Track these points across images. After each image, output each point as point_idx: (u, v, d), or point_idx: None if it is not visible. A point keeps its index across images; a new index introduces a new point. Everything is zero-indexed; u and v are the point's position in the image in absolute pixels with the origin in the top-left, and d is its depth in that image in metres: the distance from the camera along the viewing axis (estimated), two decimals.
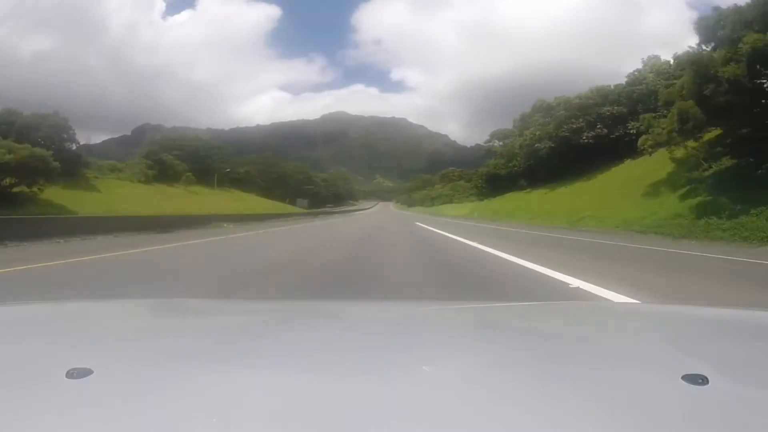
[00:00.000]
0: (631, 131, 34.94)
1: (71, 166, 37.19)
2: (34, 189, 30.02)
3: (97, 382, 0.72)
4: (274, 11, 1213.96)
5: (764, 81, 18.83)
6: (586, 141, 43.43)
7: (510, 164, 56.95)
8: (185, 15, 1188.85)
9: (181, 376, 0.81)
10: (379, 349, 1.02)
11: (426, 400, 0.69)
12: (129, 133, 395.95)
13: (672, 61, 34.73)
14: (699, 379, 0.71)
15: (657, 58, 44.02)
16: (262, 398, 0.71)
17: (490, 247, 12.05)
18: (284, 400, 0.69)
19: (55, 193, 31.90)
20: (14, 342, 1.06)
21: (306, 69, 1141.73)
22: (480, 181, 67.15)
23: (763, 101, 19.18)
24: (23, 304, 1.73)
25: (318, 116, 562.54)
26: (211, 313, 1.62)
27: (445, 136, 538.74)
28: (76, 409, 0.65)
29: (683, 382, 0.71)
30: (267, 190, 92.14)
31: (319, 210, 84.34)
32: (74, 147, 42.82)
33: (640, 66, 44.97)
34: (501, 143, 66.48)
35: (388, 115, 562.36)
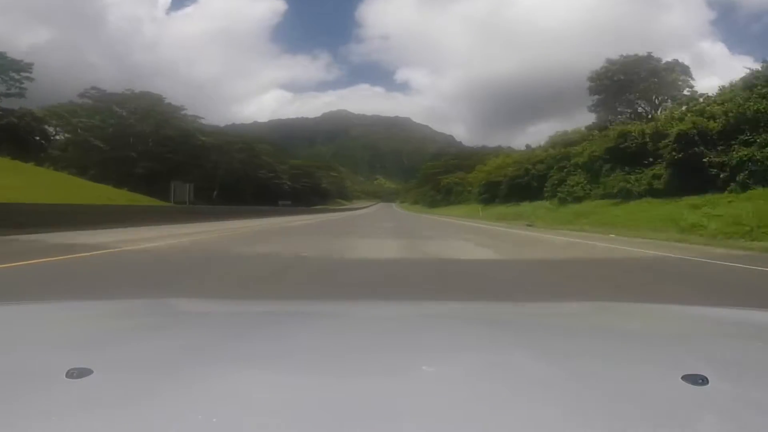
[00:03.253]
0: None
1: None
2: None
3: (96, 382, 0.72)
4: (278, 5, 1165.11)
5: None
6: None
7: None
8: (188, 10, 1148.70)
9: (182, 375, 0.80)
10: (379, 349, 1.02)
11: (426, 401, 0.69)
12: None
13: None
14: (699, 379, 0.71)
15: None
16: (262, 398, 0.71)
17: None
18: (284, 400, 0.70)
19: None
20: (14, 342, 1.06)
21: (310, 66, 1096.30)
22: None
23: None
24: (23, 304, 1.70)
25: (319, 114, 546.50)
26: (212, 313, 1.59)
27: (450, 136, 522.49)
28: (76, 409, 0.65)
29: (683, 382, 0.71)
30: (151, 172, 50.52)
31: (240, 208, 40.71)
32: None
33: None
34: None
35: (392, 115, 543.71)
